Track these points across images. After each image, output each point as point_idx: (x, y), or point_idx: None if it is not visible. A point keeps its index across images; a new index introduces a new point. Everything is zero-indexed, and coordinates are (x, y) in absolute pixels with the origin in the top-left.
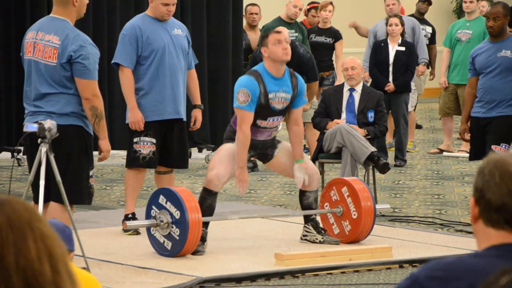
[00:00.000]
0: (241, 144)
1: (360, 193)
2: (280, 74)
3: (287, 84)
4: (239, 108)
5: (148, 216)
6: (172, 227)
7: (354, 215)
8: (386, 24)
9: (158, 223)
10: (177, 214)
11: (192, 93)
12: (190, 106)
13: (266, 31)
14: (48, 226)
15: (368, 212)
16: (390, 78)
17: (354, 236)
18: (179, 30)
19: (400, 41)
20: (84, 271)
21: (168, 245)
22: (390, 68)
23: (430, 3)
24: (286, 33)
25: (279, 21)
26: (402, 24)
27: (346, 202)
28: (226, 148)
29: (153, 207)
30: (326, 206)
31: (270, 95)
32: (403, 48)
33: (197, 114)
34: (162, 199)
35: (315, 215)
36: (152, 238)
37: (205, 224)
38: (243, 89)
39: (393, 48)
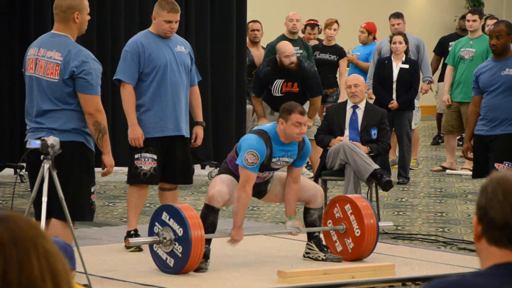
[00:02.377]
0: (242, 204)
1: (363, 210)
2: (289, 141)
3: (294, 149)
4: (246, 168)
5: (151, 232)
6: (175, 244)
7: (357, 232)
8: (390, 42)
9: (161, 240)
10: (180, 232)
11: (194, 110)
12: (192, 123)
13: (271, 49)
14: (51, 243)
15: (371, 229)
16: (394, 96)
17: (357, 253)
18: (182, 47)
19: (404, 58)
20: None
21: (171, 262)
22: (394, 86)
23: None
24: (292, 46)
25: (283, 38)
26: (406, 42)
27: (349, 220)
28: (226, 175)
29: (156, 223)
30: (329, 223)
31: (274, 159)
32: (407, 66)
33: (199, 131)
34: (165, 216)
35: (319, 232)
36: (154, 255)
37: (208, 241)
38: (253, 152)
39: (397, 66)
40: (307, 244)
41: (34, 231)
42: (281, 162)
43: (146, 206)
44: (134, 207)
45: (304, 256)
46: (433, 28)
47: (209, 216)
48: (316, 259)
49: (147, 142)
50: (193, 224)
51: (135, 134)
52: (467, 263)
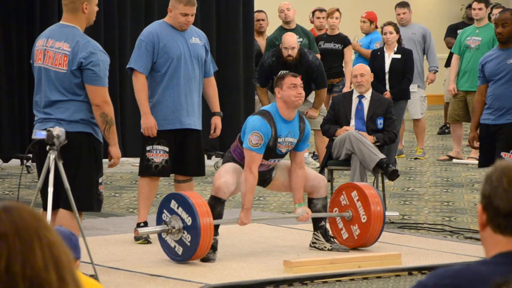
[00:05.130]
0: (250, 186)
1: (370, 198)
2: (291, 117)
3: (296, 128)
4: (250, 150)
5: (159, 220)
6: (184, 232)
7: (364, 219)
8: (381, 32)
9: (170, 229)
10: (188, 220)
11: (211, 101)
12: (209, 114)
13: (270, 42)
14: (55, 234)
15: (378, 216)
16: (387, 86)
17: (363, 240)
18: (197, 39)
19: (396, 48)
20: (90, 279)
21: (179, 250)
22: (386, 76)
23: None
24: (295, 39)
25: (280, 30)
26: (397, 32)
27: (356, 206)
28: (230, 163)
29: (165, 211)
30: (335, 211)
31: (280, 139)
32: (398, 56)
33: (217, 121)
34: (173, 204)
35: (325, 222)
36: (163, 242)
37: (215, 232)
38: (257, 133)
39: (389, 56)
40: (314, 234)
41: (38, 222)
42: (286, 143)
43: (155, 198)
44: (145, 199)
45: (310, 246)
46: (438, 18)
47: (216, 207)
48: (322, 249)
49: (159, 134)
50: (201, 212)
51: (148, 123)
52: (473, 252)
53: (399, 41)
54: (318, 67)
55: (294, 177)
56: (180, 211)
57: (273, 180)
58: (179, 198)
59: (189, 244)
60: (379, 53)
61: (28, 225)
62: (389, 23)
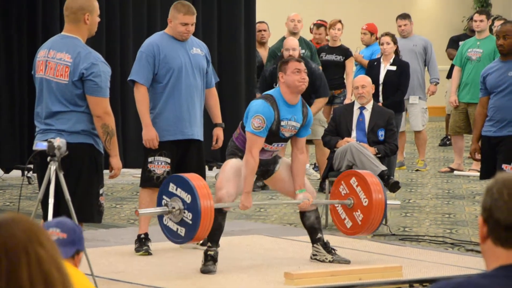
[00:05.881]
0: (250, 169)
1: (371, 185)
2: (294, 102)
3: (299, 113)
4: (252, 133)
5: (159, 205)
6: (185, 212)
7: (365, 202)
8: (379, 43)
9: (170, 210)
10: (188, 199)
11: (213, 112)
12: (210, 125)
13: (272, 53)
14: (49, 248)
15: (378, 199)
16: (380, 98)
17: (367, 224)
18: (198, 49)
19: (392, 60)
20: (88, 282)
21: (182, 231)
22: (380, 88)
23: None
24: (296, 42)
25: (283, 41)
26: (395, 43)
27: (356, 192)
28: (231, 164)
29: (164, 196)
30: (337, 205)
31: (283, 123)
32: (394, 68)
33: (219, 132)
34: (172, 187)
35: (321, 234)
36: (165, 228)
37: (216, 244)
38: (260, 115)
39: (385, 67)
40: (313, 246)
41: (29, 236)
42: (289, 127)
43: None
44: None
45: (311, 258)
46: (440, 29)
47: (217, 218)
48: (323, 261)
49: (161, 145)
50: (199, 187)
51: (150, 135)
52: (474, 264)
53: (396, 52)
54: (321, 75)
55: (295, 163)
56: (179, 192)
57: (275, 174)
58: (177, 179)
59: (190, 222)
60: (375, 63)
61: (17, 242)
62: (387, 34)
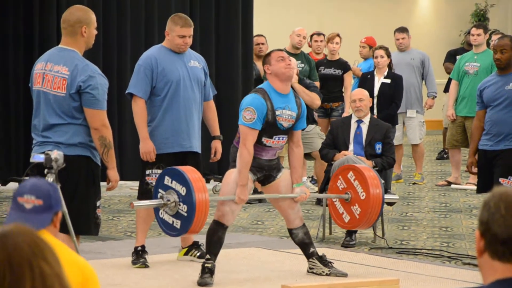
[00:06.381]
0: (244, 162)
1: (369, 179)
2: (285, 91)
3: (292, 102)
4: (244, 125)
5: (155, 198)
6: (180, 204)
7: (363, 196)
8: (373, 56)
9: (166, 202)
10: (183, 191)
11: (211, 124)
12: (208, 137)
13: None
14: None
15: (376, 188)
16: (375, 111)
17: (364, 218)
18: (196, 62)
19: (386, 73)
20: (79, 258)
21: (177, 224)
22: (375, 101)
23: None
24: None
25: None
26: (389, 56)
27: (353, 186)
28: (234, 179)
29: (160, 190)
30: (335, 200)
31: (278, 112)
32: (388, 81)
33: (217, 145)
34: (167, 180)
35: (314, 248)
36: (161, 221)
37: (214, 256)
38: (250, 107)
39: (379, 80)
40: (309, 261)
41: (33, 249)
42: (286, 116)
43: (154, 222)
44: (143, 223)
45: (308, 271)
46: (438, 43)
47: (218, 232)
48: (320, 274)
49: (159, 158)
50: (194, 180)
51: (147, 148)
52: (471, 278)
53: (389, 66)
54: (316, 89)
55: (292, 156)
56: (174, 184)
57: (275, 181)
58: (172, 172)
59: (186, 214)
60: (369, 76)
61: (21, 255)
62: (380, 47)
